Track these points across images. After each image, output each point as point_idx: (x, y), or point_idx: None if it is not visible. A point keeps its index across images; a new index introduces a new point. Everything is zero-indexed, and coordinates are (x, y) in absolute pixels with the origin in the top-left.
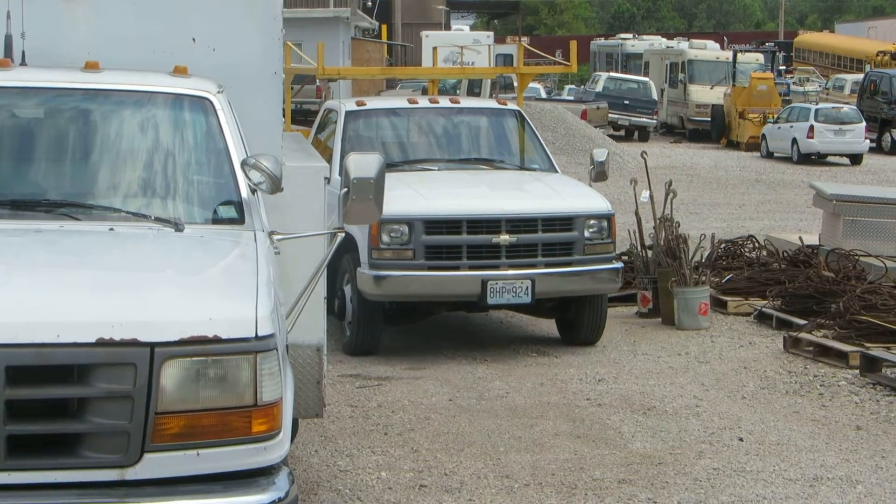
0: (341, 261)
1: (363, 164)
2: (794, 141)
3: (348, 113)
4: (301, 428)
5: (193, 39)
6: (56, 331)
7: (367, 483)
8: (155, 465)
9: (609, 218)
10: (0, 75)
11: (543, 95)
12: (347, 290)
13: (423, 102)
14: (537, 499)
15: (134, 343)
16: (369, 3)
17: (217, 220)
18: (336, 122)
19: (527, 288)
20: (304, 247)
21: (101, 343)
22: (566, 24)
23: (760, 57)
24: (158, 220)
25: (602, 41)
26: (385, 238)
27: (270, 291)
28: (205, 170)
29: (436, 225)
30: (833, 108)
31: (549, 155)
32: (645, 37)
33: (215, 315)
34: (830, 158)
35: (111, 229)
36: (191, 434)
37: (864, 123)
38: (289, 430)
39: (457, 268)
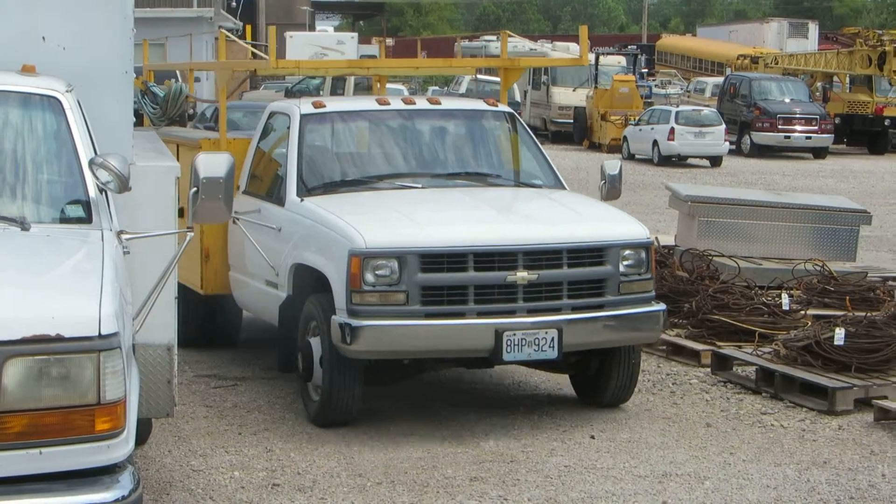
0: (304, 303)
1: (212, 163)
2: (655, 143)
3: (304, 117)
4: (155, 428)
5: (43, 38)
6: None
7: (219, 482)
8: None
9: (648, 248)
10: None
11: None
12: (315, 342)
13: (396, 103)
14: (389, 497)
15: None
16: (233, 4)
17: (64, 220)
18: (288, 128)
19: (552, 339)
20: (155, 246)
21: None
22: (431, 26)
23: (623, 60)
24: (4, 218)
25: (466, 43)
26: (369, 277)
27: (116, 290)
28: (53, 169)
29: (435, 260)
30: (693, 110)
31: (554, 167)
32: (510, 39)
33: (58, 314)
34: (691, 160)
35: None
36: (33, 433)
37: (723, 126)
38: (133, 429)
39: (462, 314)
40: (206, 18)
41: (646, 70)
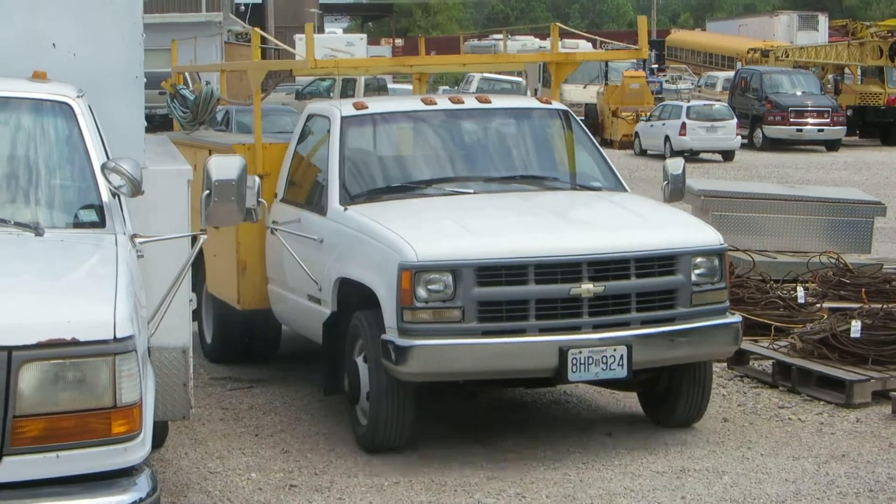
0: (350, 321)
1: (224, 166)
2: (667, 138)
3: (345, 119)
4: (171, 431)
5: (53, 44)
6: None
7: (237, 484)
8: (14, 468)
9: (721, 254)
10: None
11: None
12: (361, 363)
13: (443, 103)
14: (406, 496)
15: None
16: (242, 8)
17: (78, 224)
18: (328, 131)
19: (621, 357)
20: (169, 250)
21: None
22: (440, 26)
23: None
24: (18, 224)
25: (476, 42)
26: (421, 292)
27: (130, 294)
28: (65, 174)
29: (493, 273)
30: (705, 105)
31: (613, 168)
32: (518, 37)
33: (73, 318)
34: (703, 155)
35: None
36: (50, 437)
37: (735, 120)
38: (149, 432)
39: (523, 331)
40: (216, 23)
41: (656, 66)
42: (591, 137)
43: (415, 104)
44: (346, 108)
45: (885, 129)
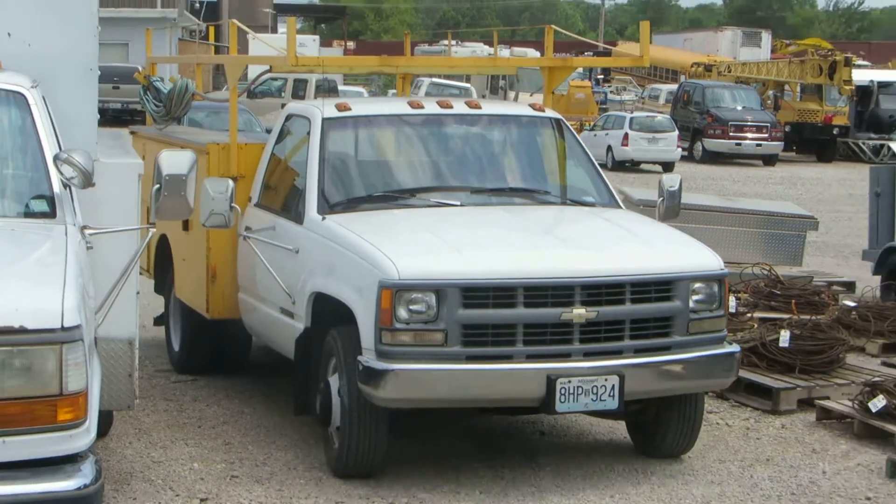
0: (324, 338)
1: (175, 161)
2: (609, 148)
3: (326, 121)
4: (116, 421)
5: (9, 34)
6: None
7: (179, 473)
8: None
9: (721, 280)
10: None
11: None
12: (334, 382)
13: (431, 107)
14: (344, 490)
15: None
16: (196, 6)
17: (29, 214)
18: (308, 133)
19: (613, 387)
20: (118, 242)
21: None
22: (392, 30)
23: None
24: None
25: (426, 47)
26: (402, 313)
27: (79, 284)
28: (17, 163)
29: (479, 294)
30: (647, 116)
31: (608, 182)
32: (467, 44)
33: (21, 306)
34: (644, 166)
35: None
36: None
37: (676, 132)
38: (95, 420)
39: (510, 357)
40: (170, 19)
41: (601, 76)
42: (585, 148)
43: (401, 107)
44: (328, 108)
45: (821, 146)
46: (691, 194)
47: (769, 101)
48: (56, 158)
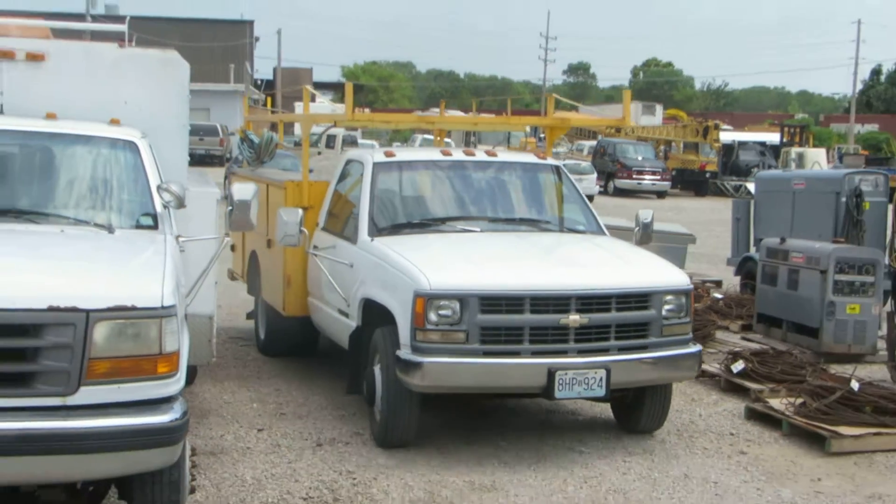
0: (371, 334)
1: (243, 190)
2: None
3: (376, 165)
4: (199, 373)
5: (125, 102)
6: (16, 301)
7: (243, 411)
8: (88, 394)
9: (688, 294)
10: None
11: None
12: (378, 371)
13: (458, 155)
14: (363, 424)
15: (74, 310)
16: (259, 82)
17: (139, 227)
18: (361, 174)
19: (601, 378)
20: (202, 247)
21: (51, 309)
22: (396, 100)
23: (528, 126)
24: (96, 225)
25: (420, 113)
26: (432, 316)
27: (173, 276)
28: (131, 191)
29: (494, 302)
30: (574, 163)
31: (596, 215)
32: (449, 111)
33: (133, 291)
34: None
35: (62, 231)
36: (114, 373)
37: (595, 174)
38: (184, 373)
39: (518, 353)
40: (239, 91)
41: (543, 135)
42: (578, 189)
43: (434, 155)
44: (378, 156)
45: (697, 185)
46: (606, 217)
47: (661, 154)
48: (158, 188)
